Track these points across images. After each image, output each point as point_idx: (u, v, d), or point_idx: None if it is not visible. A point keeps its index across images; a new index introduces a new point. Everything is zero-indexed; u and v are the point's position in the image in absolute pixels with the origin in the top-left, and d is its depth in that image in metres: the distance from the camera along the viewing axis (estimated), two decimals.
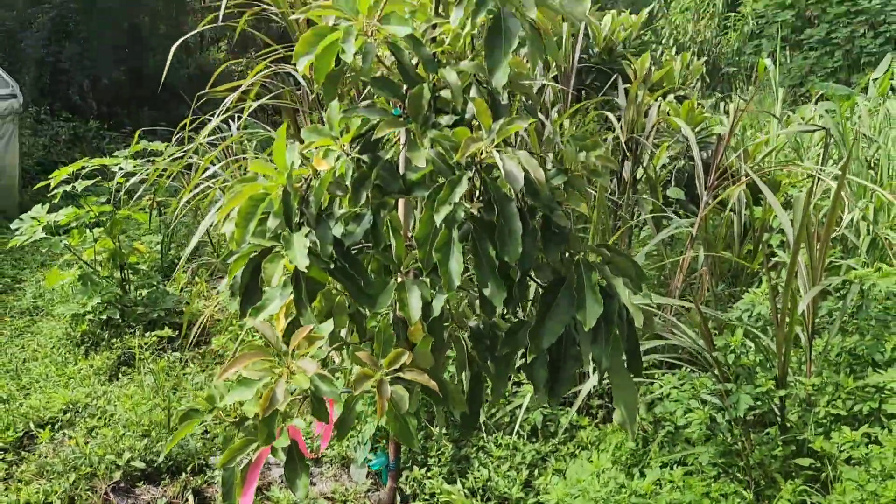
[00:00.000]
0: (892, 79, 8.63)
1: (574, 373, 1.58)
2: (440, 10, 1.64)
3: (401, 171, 1.65)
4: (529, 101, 1.65)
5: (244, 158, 5.32)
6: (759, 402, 3.10)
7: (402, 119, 1.53)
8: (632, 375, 1.59)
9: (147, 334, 5.30)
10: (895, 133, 4.95)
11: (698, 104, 5.73)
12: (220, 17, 4.02)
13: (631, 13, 6.87)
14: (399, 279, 1.64)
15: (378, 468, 1.83)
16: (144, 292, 5.84)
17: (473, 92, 1.59)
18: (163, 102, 16.78)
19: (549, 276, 1.57)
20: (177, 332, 5.39)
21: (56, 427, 4.09)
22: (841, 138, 5.47)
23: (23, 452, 3.84)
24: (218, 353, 5.20)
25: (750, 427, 3.33)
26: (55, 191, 5.62)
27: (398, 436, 1.47)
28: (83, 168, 5.71)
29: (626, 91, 5.02)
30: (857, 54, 15.08)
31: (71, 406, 4.33)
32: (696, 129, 5.68)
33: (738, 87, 10.94)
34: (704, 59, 7.27)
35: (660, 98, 5.46)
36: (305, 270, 1.38)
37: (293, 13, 4.28)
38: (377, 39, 1.50)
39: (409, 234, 1.80)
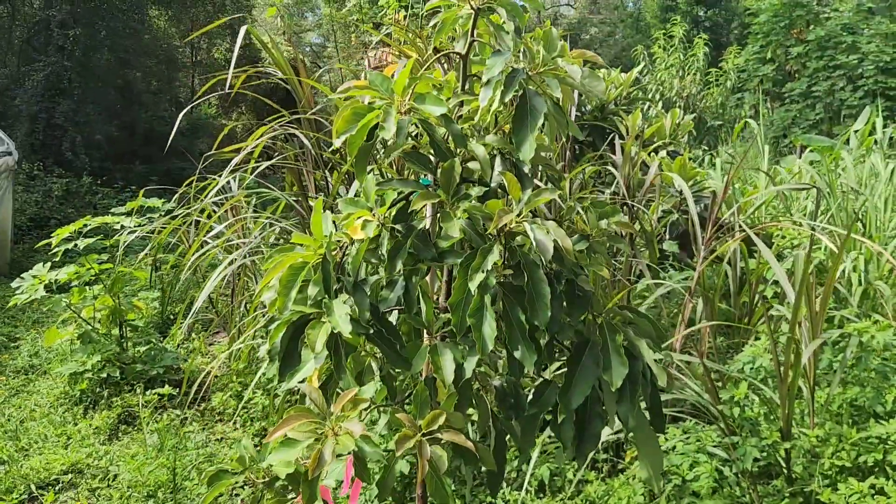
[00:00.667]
0: (873, 132, 8.89)
1: (599, 431, 1.64)
2: (465, 87, 1.74)
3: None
4: (549, 172, 1.75)
5: (245, 218, 5.40)
6: (764, 454, 3.16)
7: (434, 191, 1.62)
8: (656, 433, 1.65)
9: (147, 392, 5.29)
10: (881, 187, 5.12)
11: (690, 159, 5.90)
12: (227, 84, 4.14)
13: (620, 71, 7.09)
14: (428, 341, 1.71)
15: None
16: (143, 349, 5.85)
17: (498, 162, 1.69)
18: (154, 157, 16.95)
19: (573, 338, 1.64)
20: (177, 390, 5.38)
21: (58, 489, 4.06)
22: (829, 192, 5.64)
23: None
24: (218, 410, 5.20)
25: (756, 479, 3.37)
26: (57, 249, 5.66)
27: (434, 496, 1.51)
28: (85, 226, 5.78)
29: (622, 147, 5.18)
30: (838, 107, 15.53)
31: (72, 467, 4.31)
32: (689, 184, 5.83)
33: (723, 139, 11.23)
34: (693, 114, 7.50)
35: (652, 153, 5.63)
36: (349, 336, 1.45)
37: (299, 78, 4.43)
38: (410, 117, 1.59)
39: (435, 298, 1.87)
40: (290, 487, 1.76)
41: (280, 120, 4.30)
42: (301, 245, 1.62)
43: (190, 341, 6.71)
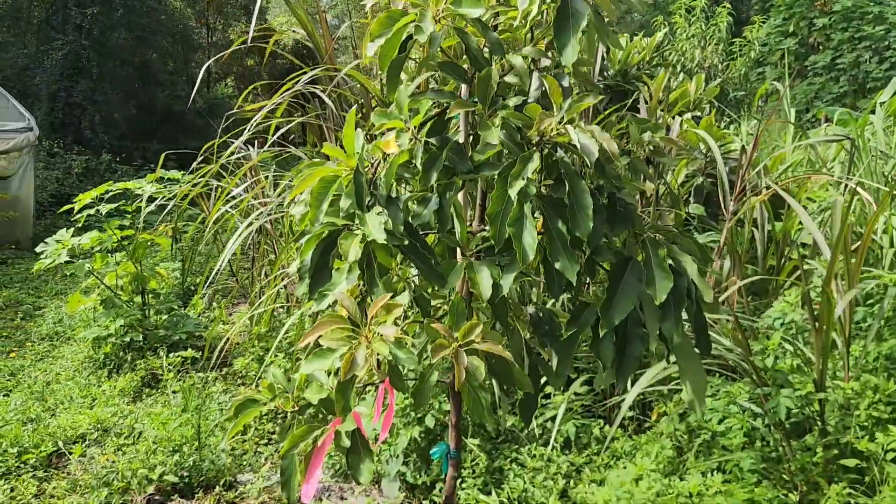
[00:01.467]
0: None
1: (640, 352, 1.58)
2: None
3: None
4: (588, 89, 1.68)
5: (264, 179, 5.36)
6: (798, 407, 3.09)
7: (471, 101, 1.56)
8: (700, 355, 1.59)
9: (171, 355, 5.30)
10: None
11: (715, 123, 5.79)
12: (228, 55, 4.09)
13: (644, 37, 6.97)
14: (463, 261, 1.66)
15: (438, 457, 1.82)
16: (165, 316, 5.86)
17: (535, 78, 1.62)
18: (172, 136, 17.00)
19: (612, 258, 1.58)
20: (199, 354, 5.39)
21: (85, 445, 4.08)
22: (859, 151, 5.51)
23: (52, 470, 3.82)
24: (240, 373, 5.20)
25: (788, 433, 3.30)
26: (79, 214, 5.67)
27: (472, 410, 1.47)
28: (107, 193, 5.77)
29: (647, 111, 5.08)
30: (863, 79, 15.24)
31: (98, 425, 4.32)
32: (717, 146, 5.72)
33: (745, 112, 11.04)
34: (717, 81, 7.35)
35: (676, 116, 5.52)
36: (385, 242, 1.40)
37: (320, 34, 4.37)
38: (444, 26, 1.53)
39: (469, 224, 1.82)
40: (321, 416, 1.72)
41: (300, 79, 4.24)
42: (331, 160, 1.57)
43: (211, 311, 6.72)
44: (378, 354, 1.32)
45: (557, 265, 1.46)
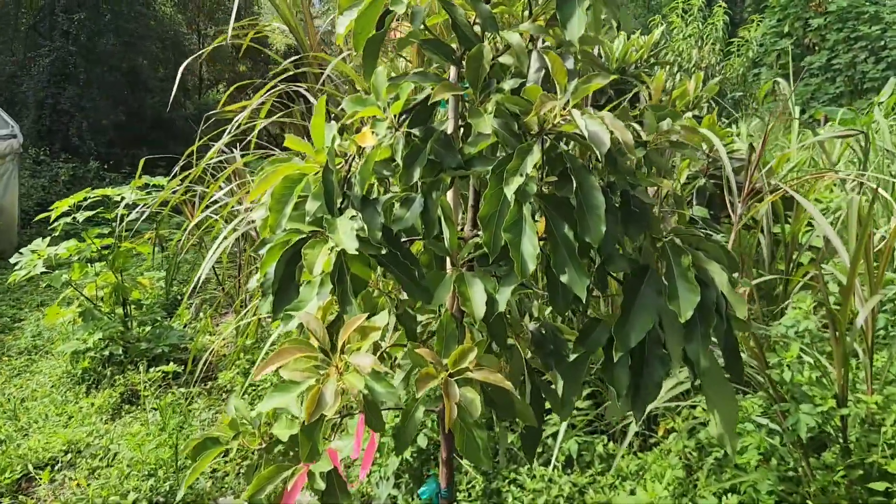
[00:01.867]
0: None
1: (660, 377, 1.36)
2: None
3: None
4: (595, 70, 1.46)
5: (248, 183, 5.12)
6: (819, 424, 2.86)
7: (460, 85, 1.33)
8: (730, 379, 1.36)
9: (151, 370, 5.05)
10: None
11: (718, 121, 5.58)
12: (216, 56, 3.86)
13: (641, 34, 6.78)
14: (452, 272, 1.42)
15: (428, 497, 1.59)
16: (147, 328, 5.62)
17: (535, 59, 1.39)
18: (161, 143, 16.74)
19: (626, 267, 1.35)
20: (182, 368, 5.15)
21: (56, 468, 3.83)
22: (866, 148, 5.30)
23: (20, 496, 3.57)
24: (225, 388, 4.96)
25: (807, 452, 3.08)
26: (56, 223, 5.43)
27: (465, 451, 1.24)
28: (85, 200, 5.53)
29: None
30: (859, 80, 15.10)
31: (72, 446, 4.07)
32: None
33: (743, 111, 10.85)
34: (716, 80, 7.14)
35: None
36: (356, 253, 1.16)
37: (304, 26, 4.14)
38: None
39: (459, 228, 1.59)
40: (291, 453, 1.49)
41: (285, 76, 4.01)
42: (298, 156, 1.34)
43: (197, 321, 6.48)
44: (352, 389, 1.09)
45: (564, 278, 1.23)
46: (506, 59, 1.39)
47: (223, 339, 5.50)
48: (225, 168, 5.59)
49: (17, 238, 10.34)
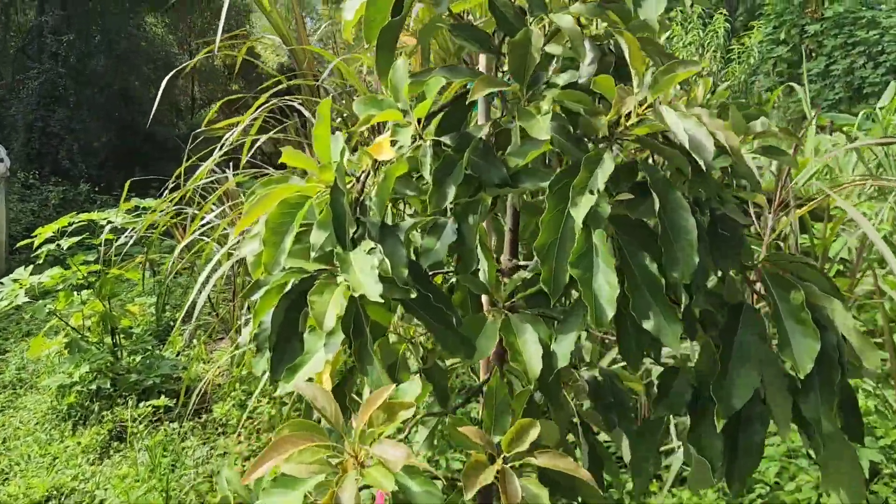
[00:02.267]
0: None
1: (761, 439, 1.07)
2: None
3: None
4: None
5: (240, 204, 4.84)
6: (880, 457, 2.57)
7: (502, 80, 1.05)
8: (851, 441, 1.08)
9: (141, 404, 4.74)
10: None
11: None
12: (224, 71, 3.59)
13: None
14: (492, 315, 1.14)
15: None
16: (138, 358, 5.31)
17: (589, 49, 1.11)
18: (154, 164, 16.46)
19: (714, 305, 1.07)
20: (174, 401, 4.83)
21: None
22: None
23: None
24: (220, 421, 4.65)
25: (867, 485, 2.79)
26: (39, 250, 5.15)
27: None
28: (70, 225, 5.25)
29: None
30: (859, 85, 14.93)
31: (56, 491, 3.77)
32: None
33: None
34: (723, 86, 6.91)
35: None
36: (379, 302, 0.88)
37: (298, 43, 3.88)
38: None
39: (495, 255, 1.30)
40: None
41: (277, 90, 3.74)
42: (297, 175, 1.06)
43: (191, 348, 6.17)
44: (378, 488, 0.80)
45: (648, 324, 0.95)
46: (552, 47, 1.11)
47: (218, 368, 5.20)
48: (217, 188, 5.31)
49: (6, 264, 10.04)
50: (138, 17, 18.19)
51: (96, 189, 14.09)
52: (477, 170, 1.03)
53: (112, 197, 14.13)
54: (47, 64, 14.80)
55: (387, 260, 0.98)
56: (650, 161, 1.10)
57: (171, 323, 6.75)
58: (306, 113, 3.84)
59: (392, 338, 1.29)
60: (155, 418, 4.71)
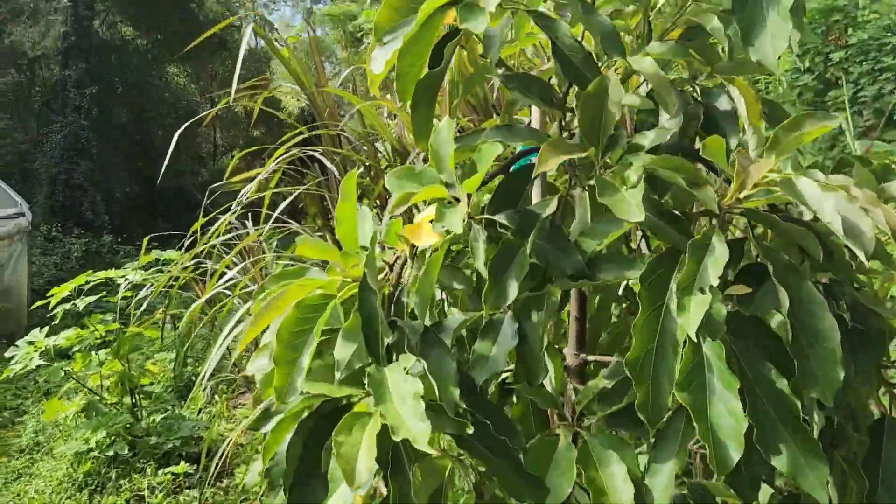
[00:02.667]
0: None
1: None
2: None
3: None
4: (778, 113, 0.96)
5: (262, 260, 4.66)
6: None
7: (573, 143, 0.84)
8: None
9: (160, 471, 4.51)
10: None
11: None
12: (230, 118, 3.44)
13: None
14: (562, 431, 0.91)
15: None
16: (158, 418, 5.10)
17: (675, 99, 0.90)
18: (176, 213, 16.51)
19: (847, 412, 0.84)
20: (195, 467, 4.61)
21: None
22: None
23: None
24: (243, 488, 4.42)
25: None
26: (55, 310, 5.00)
27: None
28: (86, 283, 5.10)
29: None
30: (891, 111, 14.65)
31: None
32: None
33: None
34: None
35: None
36: (430, 451, 0.66)
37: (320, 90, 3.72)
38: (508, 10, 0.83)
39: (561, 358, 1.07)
40: None
41: (297, 139, 3.58)
42: (317, 266, 0.84)
43: (213, 405, 5.96)
44: None
45: (780, 462, 0.71)
46: (629, 98, 0.90)
47: (241, 427, 4.98)
48: (238, 241, 5.15)
49: (28, 319, 9.97)
50: (160, 69, 18.45)
51: (119, 240, 14.09)
52: (544, 257, 0.81)
53: (135, 247, 14.10)
54: (70, 117, 14.98)
55: (431, 376, 0.76)
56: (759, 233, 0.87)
57: (193, 378, 6.55)
58: (327, 163, 3.67)
59: (432, 450, 1.06)
60: (174, 486, 4.49)
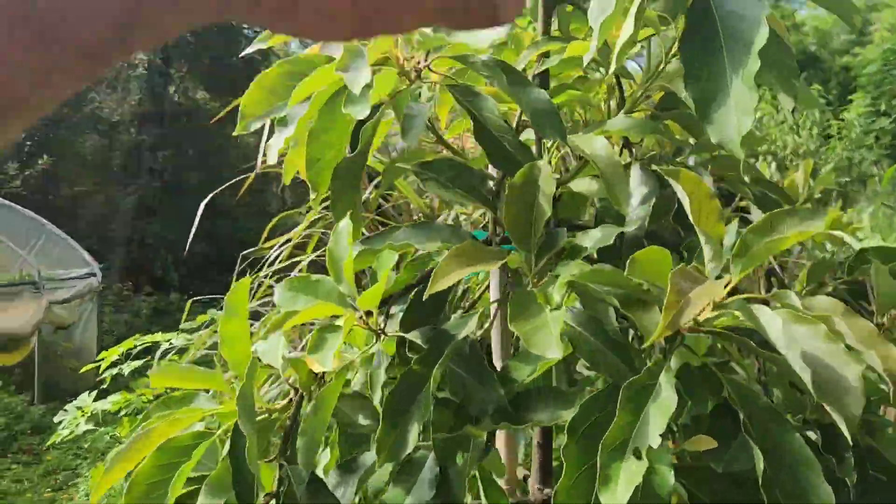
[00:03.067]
0: None
1: None
2: (550, 29, 0.81)
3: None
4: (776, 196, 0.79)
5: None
6: None
7: (493, 248, 0.67)
8: None
9: None
10: None
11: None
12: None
13: None
14: None
15: None
16: None
17: (637, 179, 0.73)
18: (243, 270, 16.84)
19: None
20: None
21: None
22: None
23: None
24: None
25: None
26: (104, 375, 5.03)
27: None
28: (134, 347, 5.13)
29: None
30: None
31: None
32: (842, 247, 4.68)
33: (852, 199, 9.80)
34: (828, 167, 6.32)
35: None
36: None
37: None
38: (430, 81, 0.68)
39: (521, 476, 0.90)
40: None
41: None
42: (193, 395, 0.70)
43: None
44: None
45: None
46: (579, 184, 0.73)
47: None
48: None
49: (96, 377, 10.21)
50: (230, 129, 19.11)
51: (186, 297, 14.43)
52: (461, 390, 0.64)
53: (201, 304, 14.41)
54: (144, 179, 15.61)
55: None
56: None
57: None
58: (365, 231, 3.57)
59: None
60: None
